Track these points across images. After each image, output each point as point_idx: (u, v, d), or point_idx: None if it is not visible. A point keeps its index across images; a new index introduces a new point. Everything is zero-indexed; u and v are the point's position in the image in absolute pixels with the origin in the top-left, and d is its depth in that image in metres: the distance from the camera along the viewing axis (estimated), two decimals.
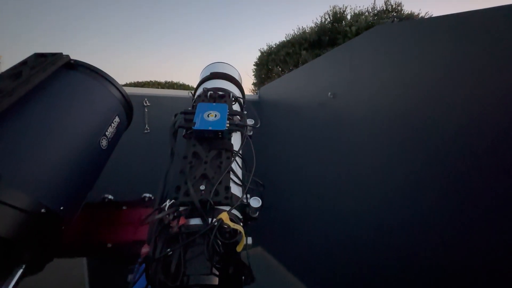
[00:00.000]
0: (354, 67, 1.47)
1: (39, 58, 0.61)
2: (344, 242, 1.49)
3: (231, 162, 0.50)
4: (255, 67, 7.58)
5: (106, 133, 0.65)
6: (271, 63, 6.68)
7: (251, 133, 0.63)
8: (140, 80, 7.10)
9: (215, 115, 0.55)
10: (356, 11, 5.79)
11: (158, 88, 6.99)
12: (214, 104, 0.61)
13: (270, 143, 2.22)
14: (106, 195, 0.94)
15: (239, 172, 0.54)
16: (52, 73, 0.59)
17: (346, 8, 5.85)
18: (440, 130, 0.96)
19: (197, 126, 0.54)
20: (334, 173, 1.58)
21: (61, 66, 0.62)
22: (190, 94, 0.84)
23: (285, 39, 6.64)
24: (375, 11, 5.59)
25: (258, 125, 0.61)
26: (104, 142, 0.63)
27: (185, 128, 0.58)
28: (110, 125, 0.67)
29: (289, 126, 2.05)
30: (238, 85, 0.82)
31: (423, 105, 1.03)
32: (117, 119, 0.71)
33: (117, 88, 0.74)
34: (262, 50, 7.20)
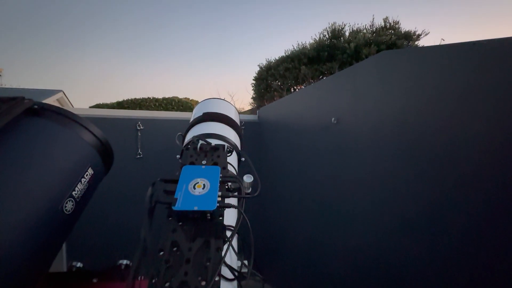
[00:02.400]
0: (358, 92, 1.41)
1: None
2: (349, 274, 1.39)
3: (222, 258, 0.38)
4: (254, 81, 7.59)
5: (74, 193, 0.53)
6: (270, 78, 6.69)
7: (250, 190, 0.52)
8: (137, 97, 7.07)
9: (204, 185, 0.44)
10: (355, 28, 5.86)
11: (155, 104, 6.93)
12: (203, 167, 0.50)
13: (270, 165, 2.13)
14: (74, 263, 0.79)
15: (234, 260, 0.42)
16: (8, 123, 0.48)
17: (344, 25, 5.93)
18: (445, 158, 0.90)
19: (179, 205, 0.42)
20: (336, 200, 1.50)
21: (21, 113, 0.52)
22: (180, 133, 0.74)
23: (284, 54, 6.68)
24: (374, 29, 5.65)
25: (257, 193, 0.50)
26: (69, 205, 0.51)
27: (165, 204, 0.45)
28: (80, 181, 0.56)
29: (290, 149, 1.97)
30: (235, 126, 0.72)
31: (425, 132, 0.99)
32: (89, 172, 0.60)
33: (91, 132, 0.63)
34: (261, 65, 7.24)
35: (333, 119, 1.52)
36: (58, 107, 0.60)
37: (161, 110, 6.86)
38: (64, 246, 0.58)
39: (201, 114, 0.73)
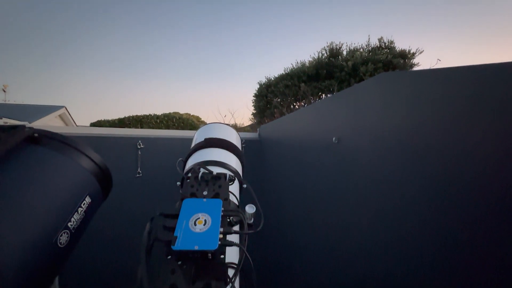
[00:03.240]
0: (358, 113, 1.42)
1: None
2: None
3: None
4: (254, 98, 7.71)
5: (69, 224, 0.51)
6: (270, 95, 6.79)
7: (252, 220, 0.50)
8: (139, 114, 7.16)
9: (205, 221, 0.43)
10: (352, 47, 6.03)
11: (156, 121, 6.99)
12: (204, 200, 0.48)
13: (271, 183, 2.11)
14: None
15: None
16: (7, 152, 0.48)
17: (342, 44, 6.11)
18: (445, 177, 0.90)
19: (179, 245, 0.40)
20: (339, 221, 1.47)
21: (20, 141, 0.51)
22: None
23: (283, 72, 6.84)
24: (370, 48, 5.82)
25: (260, 228, 0.48)
26: (63, 238, 0.49)
27: (164, 242, 0.43)
28: (76, 211, 0.54)
29: (291, 167, 1.96)
30: (236, 151, 0.72)
31: (424, 154, 1.00)
32: (87, 200, 0.58)
33: (90, 158, 0.62)
34: (261, 83, 7.38)
35: (334, 138, 1.52)
36: (58, 134, 0.60)
37: (162, 126, 6.90)
38: (56, 279, 0.55)
39: (202, 139, 0.73)
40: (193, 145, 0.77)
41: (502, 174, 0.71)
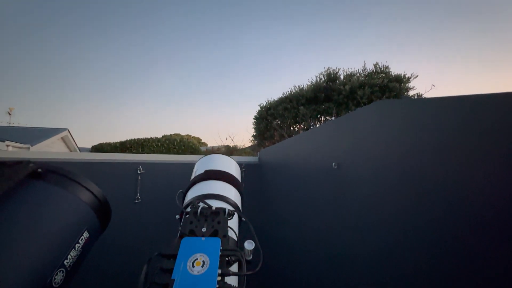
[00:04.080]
0: (357, 139, 1.44)
1: (0, 168, 0.52)
2: None
3: None
4: (254, 120, 7.83)
5: (65, 261, 0.50)
6: (270, 117, 6.91)
7: (251, 257, 0.49)
8: (140, 137, 7.23)
9: (203, 262, 0.42)
10: (349, 72, 6.25)
11: (157, 144, 7.05)
12: (203, 239, 0.48)
13: (271, 207, 2.08)
14: None
15: None
16: (9, 189, 0.48)
17: (339, 69, 6.34)
18: (444, 203, 0.90)
19: (176, 287, 0.39)
20: (338, 246, 1.44)
21: (23, 177, 0.52)
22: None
23: (283, 95, 7.02)
24: (366, 72, 6.03)
25: (258, 268, 0.48)
26: (58, 277, 0.48)
27: (161, 286, 0.42)
28: (73, 248, 0.53)
29: (291, 192, 1.94)
30: (235, 183, 0.72)
31: (421, 179, 1.02)
32: (85, 235, 0.57)
33: (90, 191, 0.62)
34: (261, 105, 7.54)
35: (333, 164, 1.53)
36: (60, 168, 0.61)
37: (163, 149, 6.93)
38: None
39: (202, 171, 0.73)
40: (193, 176, 0.77)
41: (498, 197, 0.72)
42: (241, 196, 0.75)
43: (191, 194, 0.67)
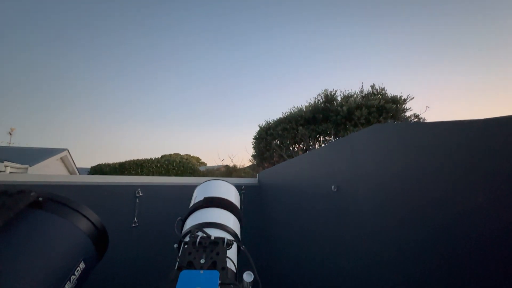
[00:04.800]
0: (356, 162, 1.45)
1: (1, 197, 0.52)
2: None
3: None
4: (254, 140, 7.89)
5: None
6: (269, 138, 6.97)
7: None
8: (139, 158, 7.23)
9: None
10: (346, 94, 6.42)
11: (157, 165, 7.03)
12: (201, 272, 0.48)
13: (271, 229, 2.04)
14: None
15: None
16: (10, 219, 0.49)
17: (336, 91, 6.52)
18: (443, 225, 0.91)
19: None
20: (338, 269, 1.40)
21: (24, 207, 0.53)
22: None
23: (282, 116, 7.13)
24: (363, 94, 6.19)
25: None
26: None
27: None
28: (69, 280, 0.52)
29: (291, 214, 1.91)
30: (235, 210, 0.72)
31: (420, 202, 1.03)
32: (81, 266, 0.56)
33: (89, 220, 0.62)
34: (260, 126, 7.64)
35: (333, 186, 1.52)
36: (61, 196, 0.61)
37: (162, 170, 6.89)
38: None
39: (202, 198, 0.73)
40: (192, 202, 0.77)
41: (495, 217, 0.72)
42: (240, 223, 0.74)
43: (190, 222, 0.67)
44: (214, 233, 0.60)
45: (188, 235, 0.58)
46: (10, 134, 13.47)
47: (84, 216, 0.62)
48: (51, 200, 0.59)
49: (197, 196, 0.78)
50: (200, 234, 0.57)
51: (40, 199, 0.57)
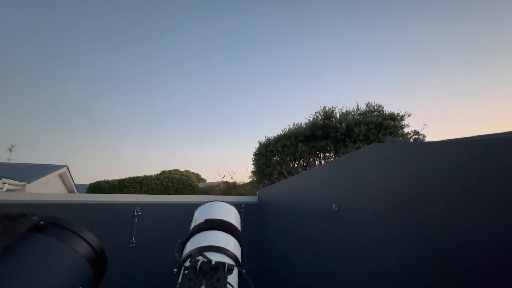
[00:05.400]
0: (356, 181, 1.46)
1: (3, 220, 0.52)
2: None
3: None
4: (254, 156, 7.89)
5: None
6: (269, 154, 6.98)
7: None
8: (139, 175, 7.18)
9: None
10: (344, 111, 6.52)
11: (156, 182, 6.98)
12: None
13: (271, 248, 1.99)
14: None
15: None
16: (11, 244, 0.48)
17: (334, 108, 6.62)
18: (445, 245, 0.90)
19: None
20: (340, 287, 1.36)
21: (25, 231, 0.53)
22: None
23: (281, 133, 7.19)
24: (360, 111, 6.29)
25: None
26: None
27: None
28: None
29: (292, 233, 1.88)
30: (235, 232, 0.72)
31: (421, 221, 1.04)
32: None
33: (88, 243, 0.62)
34: (260, 142, 7.67)
35: (334, 206, 1.51)
36: (62, 220, 0.61)
37: (161, 187, 6.82)
38: None
39: (202, 220, 0.73)
40: (192, 225, 0.77)
41: (497, 239, 0.72)
42: (241, 246, 0.73)
43: (191, 246, 0.66)
44: (215, 257, 0.59)
45: (189, 259, 0.57)
46: (10, 150, 13.47)
47: (84, 240, 0.61)
48: (52, 223, 0.58)
49: (198, 218, 0.78)
50: (200, 258, 0.56)
51: (42, 222, 0.56)
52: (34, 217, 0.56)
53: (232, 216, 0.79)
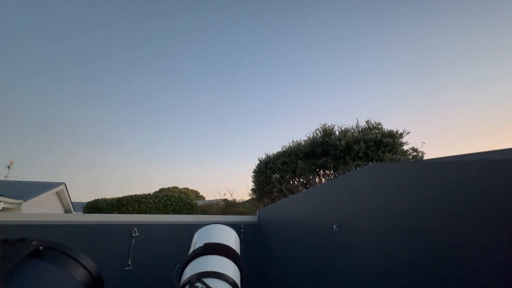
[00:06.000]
0: (356, 200, 1.45)
1: (3, 246, 0.52)
2: None
3: None
4: (254, 173, 7.84)
5: None
6: (269, 171, 6.95)
7: None
8: (137, 193, 7.09)
9: None
10: (343, 128, 6.58)
11: (155, 201, 6.88)
12: None
13: (271, 269, 1.93)
14: None
15: None
16: (9, 270, 0.48)
17: (333, 125, 6.69)
18: (446, 265, 0.90)
19: None
20: None
21: (24, 257, 0.52)
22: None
23: (281, 150, 7.20)
24: (359, 129, 6.35)
25: None
26: None
27: None
28: None
29: (293, 254, 1.83)
30: (235, 257, 0.71)
31: (420, 240, 1.04)
32: None
33: (86, 269, 0.61)
34: (260, 159, 7.67)
35: (334, 226, 1.49)
36: (61, 245, 0.60)
37: (160, 206, 6.71)
38: None
39: (201, 244, 0.72)
40: (191, 249, 0.76)
41: (497, 259, 0.72)
42: (240, 271, 0.72)
43: (189, 271, 0.65)
44: (214, 283, 0.58)
45: (187, 286, 0.56)
46: (9, 167, 13.38)
47: (83, 266, 0.61)
48: (51, 248, 0.58)
49: (197, 241, 0.77)
50: (199, 285, 0.55)
51: (41, 248, 0.56)
52: (34, 242, 0.55)
53: (231, 239, 0.79)
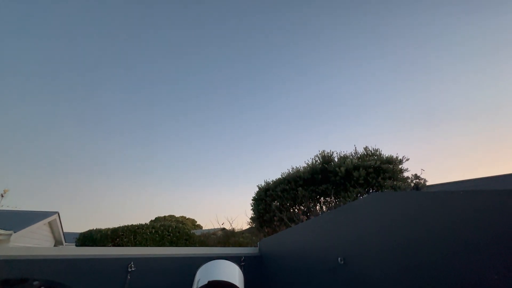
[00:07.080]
0: (359, 231, 1.41)
1: (4, 287, 0.50)
2: None
3: None
4: (253, 201, 7.67)
5: None
6: (268, 199, 6.81)
7: None
8: (133, 223, 6.85)
9: None
10: (342, 155, 6.62)
11: (152, 231, 6.63)
12: None
13: None
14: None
15: None
16: None
17: (332, 152, 6.73)
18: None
19: None
20: None
21: None
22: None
23: (281, 177, 7.14)
24: (358, 155, 6.39)
25: None
26: None
27: None
28: None
29: (295, 287, 1.73)
30: None
31: (425, 270, 0.99)
32: None
33: None
34: (260, 186, 7.56)
35: (339, 259, 1.43)
36: (60, 284, 0.58)
37: (156, 237, 6.41)
38: None
39: (205, 282, 0.69)
40: (195, 286, 0.72)
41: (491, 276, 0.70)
42: None
43: None
44: None
45: None
46: (2, 196, 13.04)
47: None
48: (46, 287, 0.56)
49: (200, 279, 0.73)
50: None
51: None
52: (35, 282, 0.53)
53: (235, 276, 0.75)
